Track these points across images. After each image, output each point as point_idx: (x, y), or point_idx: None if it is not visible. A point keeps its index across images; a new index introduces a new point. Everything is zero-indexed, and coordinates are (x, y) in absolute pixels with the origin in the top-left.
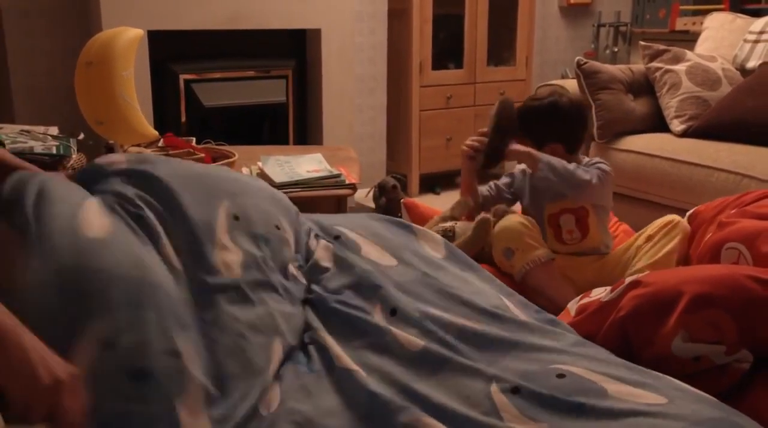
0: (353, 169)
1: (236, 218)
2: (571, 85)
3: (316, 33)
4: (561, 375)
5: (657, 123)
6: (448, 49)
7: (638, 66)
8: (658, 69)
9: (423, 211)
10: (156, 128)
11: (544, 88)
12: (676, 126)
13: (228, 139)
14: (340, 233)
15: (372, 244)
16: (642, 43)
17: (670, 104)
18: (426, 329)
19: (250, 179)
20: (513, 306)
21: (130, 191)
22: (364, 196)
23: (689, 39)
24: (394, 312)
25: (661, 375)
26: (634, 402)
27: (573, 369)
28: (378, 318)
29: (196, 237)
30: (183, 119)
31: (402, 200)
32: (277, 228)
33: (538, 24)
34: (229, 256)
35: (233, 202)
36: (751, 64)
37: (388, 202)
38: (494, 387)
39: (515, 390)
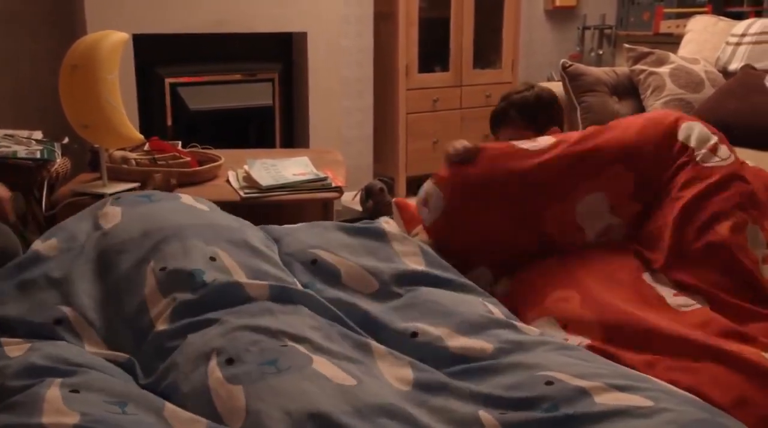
0: (340, 172)
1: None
2: (557, 87)
3: (303, 36)
4: (549, 383)
5: None
6: (434, 52)
7: (622, 68)
8: (642, 71)
9: (414, 211)
10: (142, 132)
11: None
12: None
13: (214, 142)
14: (317, 257)
15: (352, 269)
16: (626, 45)
17: (654, 106)
18: (412, 364)
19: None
20: (498, 312)
21: None
22: (351, 199)
23: (673, 42)
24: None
25: (647, 377)
26: (620, 405)
27: (560, 375)
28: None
29: None
30: (169, 123)
31: (393, 200)
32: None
33: (524, 27)
34: None
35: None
36: (733, 66)
37: (375, 205)
38: (482, 412)
39: (503, 413)
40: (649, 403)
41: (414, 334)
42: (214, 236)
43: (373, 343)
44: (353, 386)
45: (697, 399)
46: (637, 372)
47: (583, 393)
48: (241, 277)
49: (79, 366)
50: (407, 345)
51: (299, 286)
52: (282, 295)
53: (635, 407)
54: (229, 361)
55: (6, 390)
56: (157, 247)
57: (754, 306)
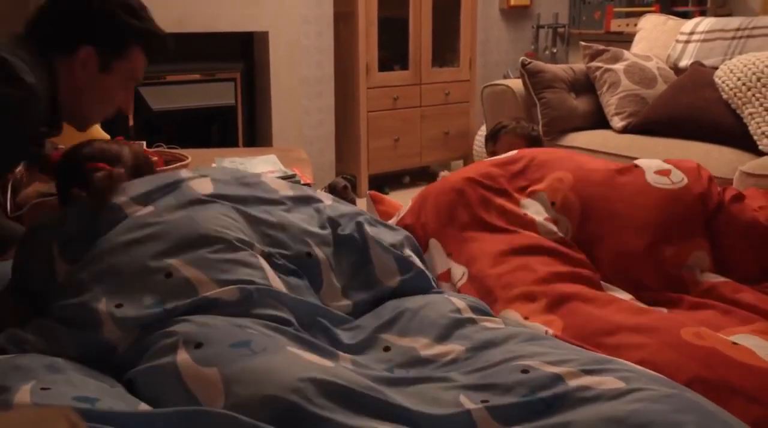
0: (306, 169)
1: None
2: (516, 84)
3: (264, 36)
4: (525, 371)
5: (598, 120)
6: (393, 51)
7: (579, 65)
8: (598, 68)
9: (388, 204)
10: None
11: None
12: (617, 122)
13: (177, 142)
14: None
15: (330, 272)
16: (582, 43)
17: (610, 102)
18: (383, 368)
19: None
20: (464, 305)
21: None
22: None
23: (623, 40)
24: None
25: (615, 359)
26: (594, 389)
27: (534, 363)
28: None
29: None
30: (131, 123)
31: (368, 193)
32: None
33: (480, 26)
34: None
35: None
36: (684, 63)
37: None
38: (463, 397)
39: (484, 401)
40: (621, 384)
41: (387, 348)
42: (172, 242)
43: (341, 354)
44: (332, 366)
45: (665, 377)
46: (606, 356)
47: (558, 379)
48: (204, 289)
49: (59, 370)
50: (381, 356)
51: (272, 280)
52: (254, 296)
53: (609, 389)
54: (198, 345)
55: None
56: (104, 277)
57: (696, 298)
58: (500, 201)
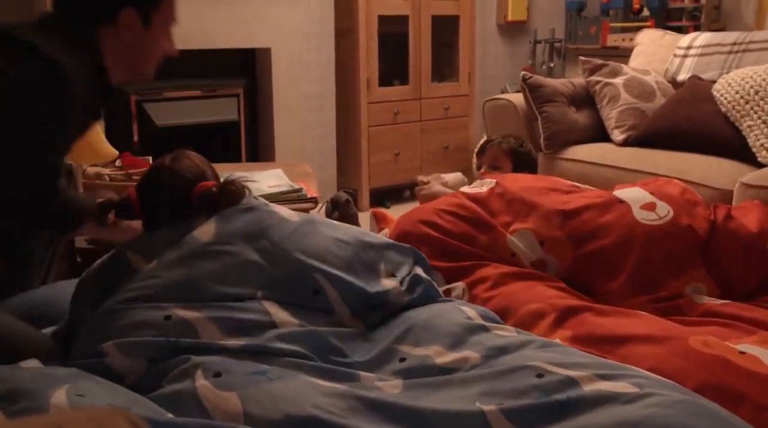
0: (312, 183)
1: None
2: (516, 98)
3: (266, 52)
4: (540, 375)
5: (599, 133)
6: (393, 67)
7: (579, 79)
8: (597, 82)
9: (391, 221)
10: None
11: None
12: (617, 136)
13: None
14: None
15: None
16: (582, 58)
17: (610, 115)
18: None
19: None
20: (475, 314)
21: None
22: (317, 210)
23: (620, 54)
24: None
25: (629, 366)
26: (609, 392)
27: (549, 367)
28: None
29: None
30: (135, 139)
31: (371, 210)
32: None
33: (478, 41)
34: None
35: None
36: (681, 76)
37: (341, 217)
38: (479, 403)
39: (499, 404)
40: (635, 389)
41: (402, 359)
42: (181, 286)
43: (361, 373)
44: (347, 388)
45: (676, 384)
46: (619, 363)
47: (572, 382)
48: (202, 328)
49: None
50: (396, 368)
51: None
52: (258, 350)
53: (623, 393)
54: (217, 374)
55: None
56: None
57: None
58: (485, 238)
